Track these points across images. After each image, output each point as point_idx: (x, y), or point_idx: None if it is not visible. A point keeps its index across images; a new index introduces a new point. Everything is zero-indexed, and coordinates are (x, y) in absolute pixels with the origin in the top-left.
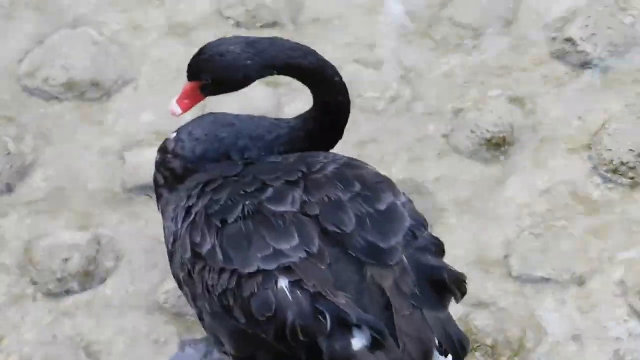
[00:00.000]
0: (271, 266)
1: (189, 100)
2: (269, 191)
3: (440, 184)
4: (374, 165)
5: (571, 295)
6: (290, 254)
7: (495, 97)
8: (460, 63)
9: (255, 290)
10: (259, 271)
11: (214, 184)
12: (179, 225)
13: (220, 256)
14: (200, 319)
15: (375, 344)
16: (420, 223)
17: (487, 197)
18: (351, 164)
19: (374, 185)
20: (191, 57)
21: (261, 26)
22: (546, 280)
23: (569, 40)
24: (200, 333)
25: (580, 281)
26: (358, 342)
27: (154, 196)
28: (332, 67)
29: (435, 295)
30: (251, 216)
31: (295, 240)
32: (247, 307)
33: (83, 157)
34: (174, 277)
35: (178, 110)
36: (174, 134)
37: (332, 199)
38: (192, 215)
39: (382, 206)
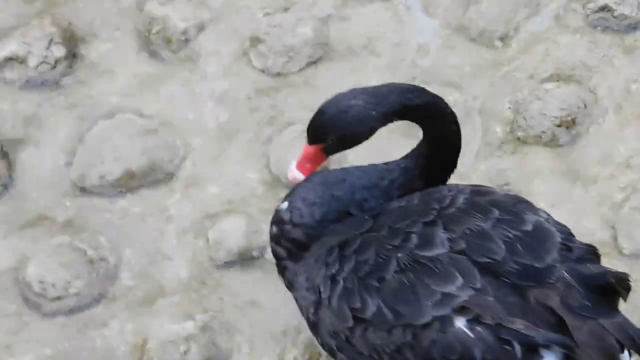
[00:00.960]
0: (445, 311)
1: (311, 163)
2: (414, 238)
3: (521, 176)
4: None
5: None
6: (458, 294)
7: (548, 80)
8: (503, 57)
9: (436, 337)
10: (434, 319)
11: (353, 244)
12: (326, 295)
13: (390, 315)
14: None
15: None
16: (569, 233)
17: (571, 181)
18: (480, 191)
19: (513, 208)
20: (311, 120)
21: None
22: None
23: (604, 8)
24: None
25: None
26: None
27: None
28: (442, 100)
29: (606, 302)
30: (408, 268)
31: (459, 280)
32: (430, 356)
33: (164, 245)
34: (322, 346)
35: (300, 175)
36: (286, 204)
37: (475, 230)
38: (341, 282)
39: (528, 227)
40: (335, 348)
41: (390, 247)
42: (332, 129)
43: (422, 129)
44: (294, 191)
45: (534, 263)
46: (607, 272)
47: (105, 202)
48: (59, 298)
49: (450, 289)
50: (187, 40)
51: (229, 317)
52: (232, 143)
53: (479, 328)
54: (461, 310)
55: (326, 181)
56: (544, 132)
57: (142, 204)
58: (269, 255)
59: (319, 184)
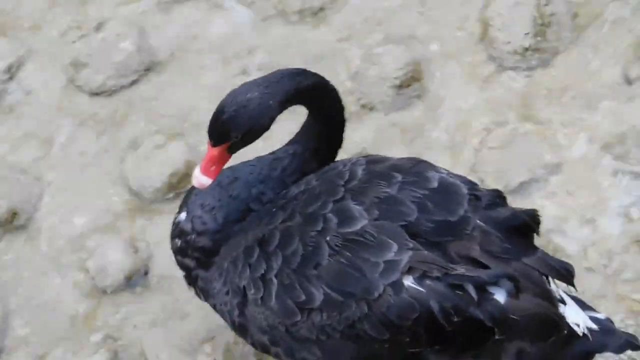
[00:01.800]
0: (395, 276)
1: (216, 165)
2: (333, 218)
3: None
4: None
5: None
6: (400, 258)
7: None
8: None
9: (391, 302)
10: (385, 287)
11: (273, 240)
12: (258, 295)
13: (340, 298)
14: None
15: (515, 291)
16: (473, 183)
17: None
18: (376, 160)
19: (413, 169)
20: (211, 121)
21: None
22: None
23: None
24: None
25: None
26: (501, 297)
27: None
28: (325, 78)
29: (523, 241)
30: (341, 248)
31: (394, 245)
32: (388, 321)
33: (47, 284)
34: (253, 345)
35: (208, 180)
36: (183, 214)
37: (383, 197)
38: (274, 280)
39: (434, 184)
40: (268, 343)
41: (314, 233)
42: (235, 126)
43: (310, 110)
44: (188, 200)
45: (447, 217)
46: (519, 212)
47: None
48: None
49: (389, 255)
50: (10, 79)
51: (134, 341)
52: (86, 171)
53: (428, 282)
54: (408, 271)
55: (220, 183)
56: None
57: (11, 250)
58: (153, 272)
59: (213, 187)
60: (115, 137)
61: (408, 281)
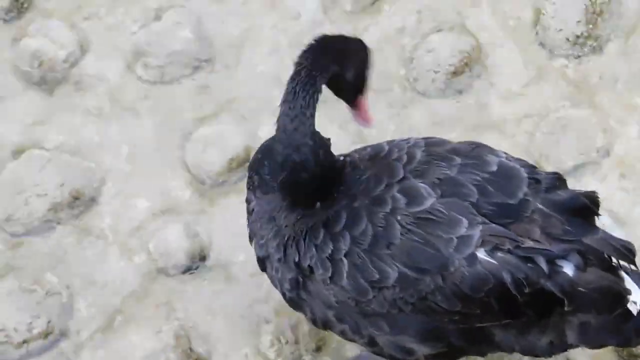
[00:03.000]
0: (469, 250)
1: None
2: (400, 198)
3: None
4: None
5: None
6: (472, 232)
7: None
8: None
9: (466, 274)
10: (460, 261)
11: (339, 221)
12: (326, 276)
13: (415, 274)
14: (372, 344)
15: (584, 265)
16: (532, 166)
17: None
18: (434, 142)
19: (472, 152)
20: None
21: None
22: None
23: None
24: None
25: None
26: (569, 270)
27: None
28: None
29: (584, 222)
30: (413, 227)
31: (465, 221)
32: (461, 293)
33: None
34: (314, 322)
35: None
36: None
37: (444, 178)
38: (345, 261)
39: (493, 167)
40: (334, 319)
41: (383, 213)
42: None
43: None
44: None
45: (507, 200)
46: (578, 194)
47: (38, 240)
48: (25, 342)
49: (462, 231)
50: (71, 67)
51: (196, 322)
52: (146, 156)
53: (500, 254)
54: (481, 244)
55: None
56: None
57: (74, 233)
58: (211, 260)
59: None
60: (174, 124)
61: (481, 254)
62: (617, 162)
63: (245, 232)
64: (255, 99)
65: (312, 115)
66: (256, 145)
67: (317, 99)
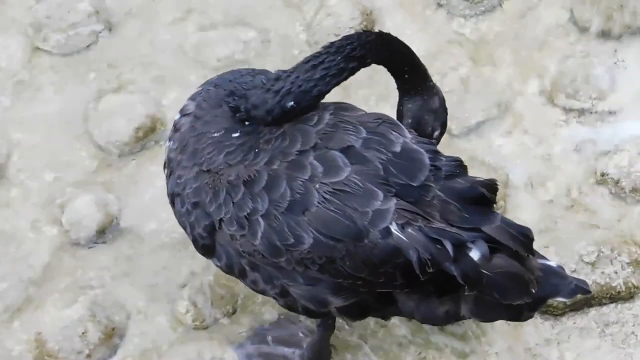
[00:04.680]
0: (383, 224)
1: None
2: (318, 166)
3: None
4: None
5: None
6: (387, 206)
7: None
8: None
9: (378, 245)
10: (374, 233)
11: (260, 181)
12: (242, 232)
13: (330, 242)
14: (284, 295)
15: (490, 252)
16: (434, 151)
17: None
18: (344, 107)
19: (377, 129)
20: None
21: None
22: None
23: None
24: None
25: None
26: (475, 254)
27: None
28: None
29: (481, 210)
30: (330, 196)
31: (380, 194)
32: (370, 262)
33: (21, 240)
34: (229, 268)
35: None
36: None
37: (351, 151)
38: (262, 222)
39: (396, 148)
40: (247, 268)
41: (302, 181)
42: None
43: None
44: None
45: (409, 182)
46: (477, 183)
47: None
48: None
49: (377, 204)
50: None
51: (110, 292)
52: (52, 128)
53: (410, 230)
54: (396, 218)
55: None
56: None
57: None
58: (122, 229)
59: None
60: (77, 95)
61: (394, 227)
62: (518, 117)
63: (155, 200)
64: (159, 67)
65: (321, 91)
66: (161, 114)
67: (339, 82)
